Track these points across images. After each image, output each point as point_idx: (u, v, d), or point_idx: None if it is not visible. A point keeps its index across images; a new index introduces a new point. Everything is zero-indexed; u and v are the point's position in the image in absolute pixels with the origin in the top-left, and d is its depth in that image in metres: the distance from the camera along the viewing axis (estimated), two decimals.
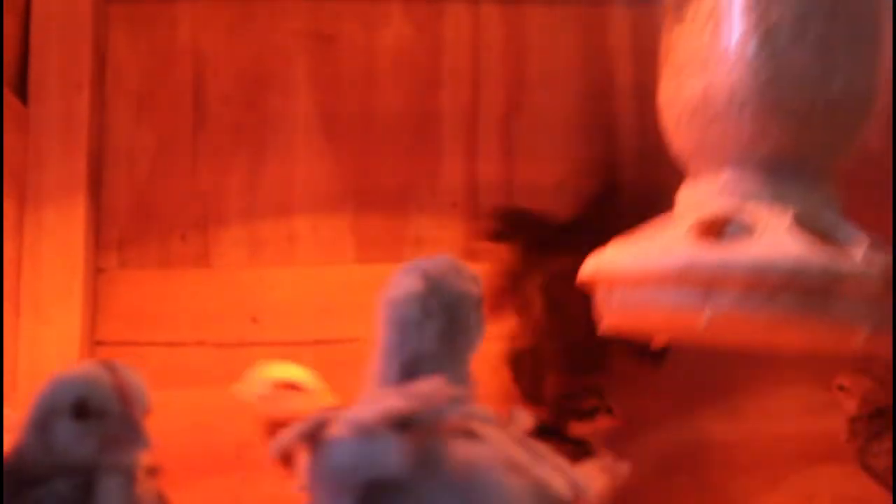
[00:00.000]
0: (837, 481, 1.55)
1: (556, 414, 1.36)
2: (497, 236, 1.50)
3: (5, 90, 1.51)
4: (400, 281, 0.85)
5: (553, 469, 0.75)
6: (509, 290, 1.44)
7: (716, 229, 1.10)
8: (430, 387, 0.76)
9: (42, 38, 1.60)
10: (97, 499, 0.83)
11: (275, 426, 1.18)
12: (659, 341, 1.31)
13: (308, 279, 1.63)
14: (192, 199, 1.64)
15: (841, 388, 1.43)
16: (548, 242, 1.45)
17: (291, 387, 1.26)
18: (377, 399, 0.77)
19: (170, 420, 1.17)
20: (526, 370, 1.42)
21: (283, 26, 1.69)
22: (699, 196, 1.22)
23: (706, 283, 1.06)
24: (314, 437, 0.76)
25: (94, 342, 1.57)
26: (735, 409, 1.59)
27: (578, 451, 1.33)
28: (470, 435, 0.74)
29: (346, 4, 1.70)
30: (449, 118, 1.69)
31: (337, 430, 0.74)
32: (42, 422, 0.87)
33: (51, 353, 1.52)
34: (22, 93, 1.58)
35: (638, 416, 1.46)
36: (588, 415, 1.36)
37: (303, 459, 0.80)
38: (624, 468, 1.36)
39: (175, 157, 1.65)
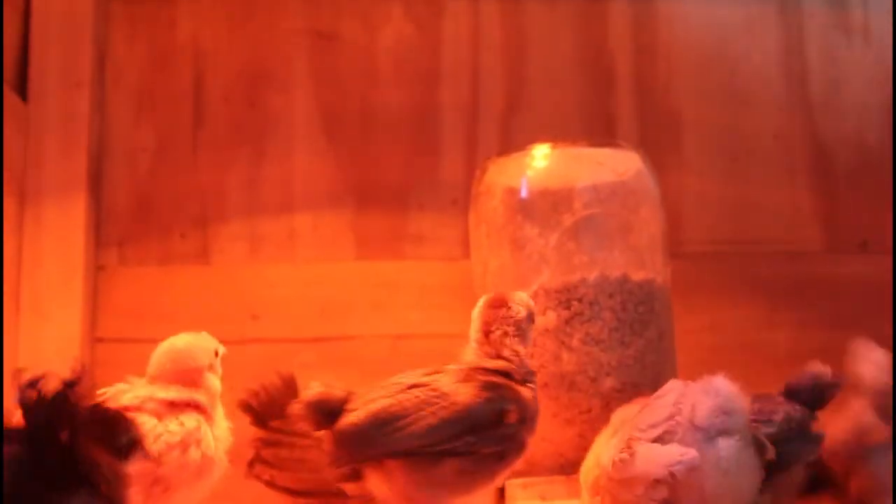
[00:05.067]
0: None
1: None
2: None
3: (5, 88, 1.51)
4: None
5: None
6: None
7: None
8: None
9: (42, 36, 1.60)
10: None
11: None
12: None
13: (308, 276, 1.63)
14: (192, 197, 1.64)
15: None
16: None
17: None
18: None
19: None
20: None
21: (283, 24, 1.69)
22: None
23: None
24: None
25: (94, 339, 1.57)
26: None
27: None
28: None
29: (346, 2, 1.70)
30: (449, 115, 1.69)
31: None
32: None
33: (51, 350, 1.52)
34: (22, 90, 1.58)
35: None
36: None
37: None
38: None
39: (175, 154, 1.65)
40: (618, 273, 1.26)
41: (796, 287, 1.67)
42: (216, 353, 1.16)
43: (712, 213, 1.69)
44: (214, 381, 1.14)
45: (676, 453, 0.93)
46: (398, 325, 1.60)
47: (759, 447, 0.98)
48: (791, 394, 1.11)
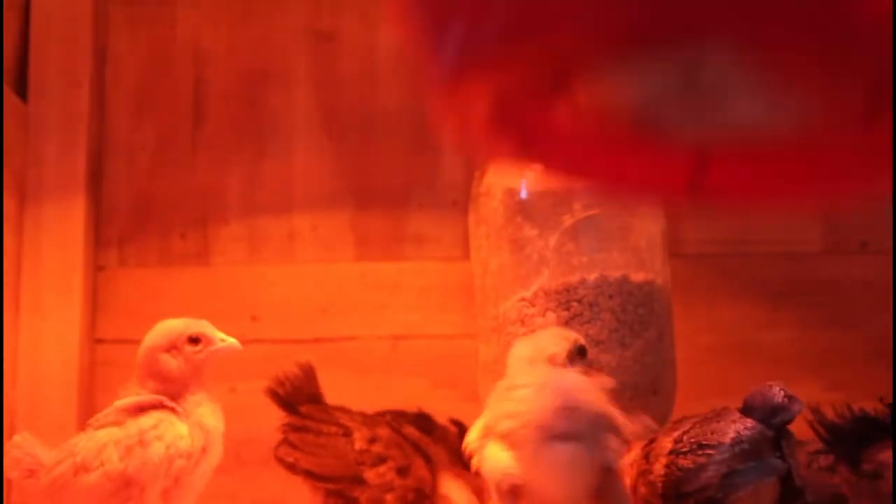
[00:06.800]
0: None
1: None
2: None
3: (5, 87, 1.51)
4: None
5: None
6: None
7: None
8: None
9: (42, 36, 1.60)
10: None
11: None
12: None
13: (308, 277, 1.63)
14: (191, 197, 1.64)
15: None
16: None
17: None
18: None
19: None
20: None
21: (283, 23, 1.69)
22: None
23: None
24: None
25: (93, 340, 1.57)
26: None
27: None
28: None
29: (346, 2, 1.70)
30: None
31: None
32: None
33: (50, 350, 1.52)
34: (22, 90, 1.58)
35: None
36: None
37: None
38: None
39: (175, 154, 1.65)
40: (617, 274, 1.26)
41: (796, 287, 1.66)
42: (189, 339, 1.14)
43: (712, 214, 1.69)
44: (169, 363, 1.11)
45: (507, 467, 0.96)
46: (398, 325, 1.60)
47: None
48: (747, 410, 1.07)
